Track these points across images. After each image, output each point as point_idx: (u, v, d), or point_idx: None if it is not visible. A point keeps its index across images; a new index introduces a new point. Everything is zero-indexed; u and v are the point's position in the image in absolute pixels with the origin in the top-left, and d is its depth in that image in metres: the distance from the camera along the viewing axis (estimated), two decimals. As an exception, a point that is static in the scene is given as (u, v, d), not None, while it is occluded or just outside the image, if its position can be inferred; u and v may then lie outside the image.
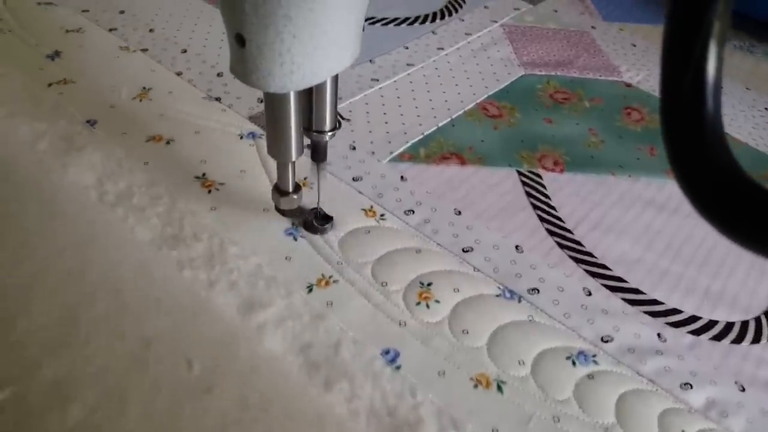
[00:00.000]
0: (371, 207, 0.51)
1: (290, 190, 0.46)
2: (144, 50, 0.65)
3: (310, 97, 0.41)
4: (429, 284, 0.45)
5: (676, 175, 0.21)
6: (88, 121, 0.54)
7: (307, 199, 0.49)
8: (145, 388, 0.36)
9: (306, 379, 0.38)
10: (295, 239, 0.47)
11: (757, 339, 0.46)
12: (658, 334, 0.45)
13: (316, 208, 0.49)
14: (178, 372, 0.37)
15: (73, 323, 0.39)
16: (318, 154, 0.45)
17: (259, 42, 0.34)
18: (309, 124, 0.43)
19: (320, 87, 0.41)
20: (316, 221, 0.48)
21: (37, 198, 0.47)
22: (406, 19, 0.79)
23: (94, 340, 0.38)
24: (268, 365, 0.39)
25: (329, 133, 0.43)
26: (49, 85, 0.58)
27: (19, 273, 0.41)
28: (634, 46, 0.79)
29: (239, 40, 0.35)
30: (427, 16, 0.80)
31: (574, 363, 0.42)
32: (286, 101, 0.40)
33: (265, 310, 0.42)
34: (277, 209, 0.49)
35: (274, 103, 0.40)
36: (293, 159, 0.43)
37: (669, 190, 0.57)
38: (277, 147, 0.43)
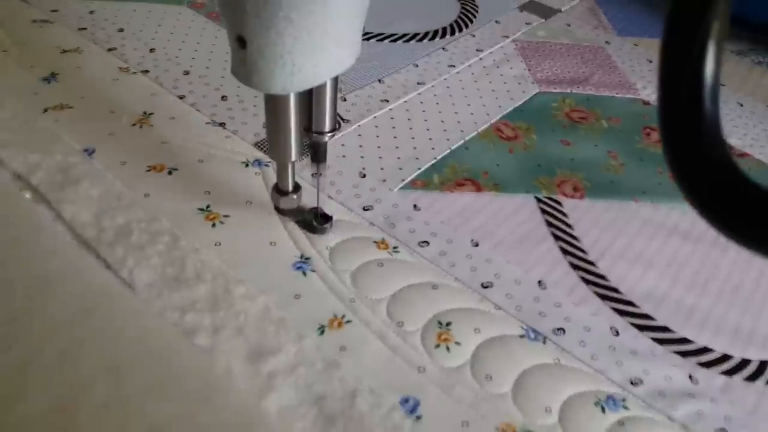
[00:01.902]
0: (383, 239, 0.48)
1: (290, 189, 0.47)
2: (144, 72, 0.63)
3: (310, 97, 0.41)
4: (448, 324, 0.43)
5: (674, 175, 0.21)
6: (85, 150, 0.52)
7: (307, 199, 0.49)
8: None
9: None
10: (305, 274, 0.45)
11: (793, 378, 0.44)
12: (690, 376, 0.43)
13: (316, 208, 0.48)
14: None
15: (68, 413, 0.35)
16: (318, 154, 0.45)
17: (260, 44, 0.35)
18: (309, 125, 0.43)
19: (320, 88, 0.40)
20: (315, 221, 0.48)
21: (27, 260, 0.43)
22: (416, 35, 0.76)
23: None
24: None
25: (329, 134, 0.43)
26: (45, 110, 0.55)
27: (12, 355, 0.37)
28: (650, 62, 0.77)
29: (240, 42, 0.35)
30: (436, 31, 0.77)
31: (603, 409, 0.40)
32: (287, 102, 0.40)
33: (276, 356, 0.39)
34: (277, 209, 0.49)
35: (274, 105, 0.40)
36: (293, 160, 0.44)
37: (692, 217, 0.55)
38: (277, 148, 0.43)
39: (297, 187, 0.47)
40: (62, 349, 0.38)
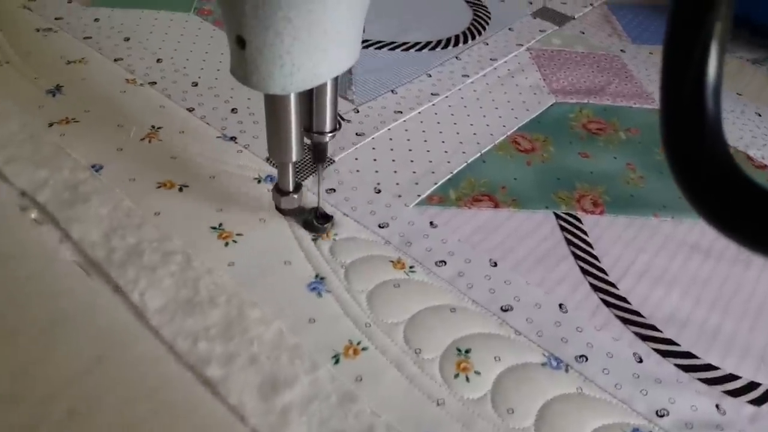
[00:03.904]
0: (399, 258, 0.47)
1: (290, 189, 0.47)
2: (152, 83, 0.61)
3: (310, 97, 0.41)
4: (467, 351, 0.42)
5: (674, 176, 0.21)
6: (93, 166, 0.50)
7: (308, 198, 0.50)
8: None
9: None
10: (320, 295, 0.44)
11: (823, 407, 0.42)
12: (717, 406, 0.41)
13: (317, 208, 0.48)
14: None
15: None
16: (318, 154, 0.45)
17: (259, 44, 0.35)
18: (309, 125, 0.43)
19: (320, 88, 0.40)
20: (316, 220, 0.48)
21: (34, 304, 0.41)
22: (428, 43, 0.74)
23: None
24: None
25: (329, 134, 0.44)
26: (50, 125, 0.54)
27: (20, 413, 0.35)
28: (668, 70, 0.75)
29: (239, 42, 0.35)
30: (449, 39, 0.76)
31: (629, 443, 0.38)
32: (287, 103, 0.40)
33: (291, 388, 0.38)
34: (278, 208, 0.49)
35: (274, 105, 0.40)
36: (293, 160, 0.44)
37: (713, 233, 0.53)
38: (277, 148, 0.43)
39: (298, 187, 0.47)
40: (72, 407, 0.36)
